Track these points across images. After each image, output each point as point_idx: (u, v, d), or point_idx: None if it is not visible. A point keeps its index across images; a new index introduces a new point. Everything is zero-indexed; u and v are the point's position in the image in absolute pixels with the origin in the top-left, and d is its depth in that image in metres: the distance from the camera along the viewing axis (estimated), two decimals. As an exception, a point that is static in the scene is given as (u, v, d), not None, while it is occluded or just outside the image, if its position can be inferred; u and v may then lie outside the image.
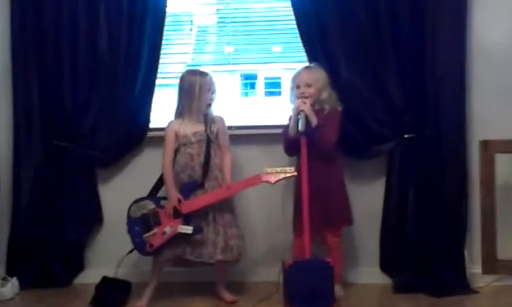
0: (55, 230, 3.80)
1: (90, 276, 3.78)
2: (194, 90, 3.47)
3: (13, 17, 3.78)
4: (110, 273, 3.62)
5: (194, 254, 3.39)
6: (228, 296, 3.50)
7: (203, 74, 3.53)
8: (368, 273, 3.72)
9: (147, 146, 3.80)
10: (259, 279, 3.72)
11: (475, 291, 3.49)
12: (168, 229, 3.37)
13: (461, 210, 3.56)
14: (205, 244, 3.38)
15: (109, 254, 3.70)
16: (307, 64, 3.59)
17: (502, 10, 3.57)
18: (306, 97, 3.36)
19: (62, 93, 3.76)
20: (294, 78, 3.49)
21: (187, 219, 3.37)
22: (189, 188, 3.42)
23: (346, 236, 3.61)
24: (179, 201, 3.39)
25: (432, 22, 3.52)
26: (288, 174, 3.33)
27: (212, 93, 3.50)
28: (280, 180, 3.34)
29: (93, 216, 3.87)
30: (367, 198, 3.70)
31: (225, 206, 3.44)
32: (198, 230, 3.35)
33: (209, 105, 3.50)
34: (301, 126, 3.25)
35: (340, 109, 3.46)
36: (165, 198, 3.46)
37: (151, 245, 3.39)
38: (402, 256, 3.62)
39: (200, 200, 3.39)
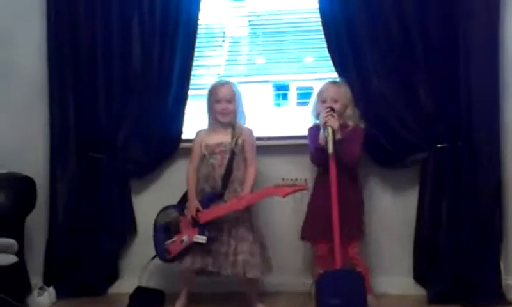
0: (90, 241, 3.85)
1: (124, 286, 3.83)
2: (208, 99, 3.53)
3: (49, 35, 3.85)
4: (143, 282, 3.67)
5: (212, 264, 3.40)
6: (260, 306, 3.51)
7: (221, 83, 3.57)
8: (402, 284, 3.68)
9: (180, 157, 3.83)
10: (294, 290, 3.69)
11: (511, 303, 3.43)
12: (185, 238, 3.42)
13: (496, 220, 3.50)
14: (219, 255, 3.39)
15: (143, 264, 3.74)
16: (333, 78, 3.59)
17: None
18: (333, 111, 3.34)
19: (96, 106, 3.82)
20: (320, 93, 3.49)
21: (203, 228, 3.40)
22: (209, 199, 3.44)
23: (379, 247, 3.60)
24: (197, 210, 3.42)
25: (464, 30, 3.49)
26: (298, 188, 3.33)
27: (227, 102, 3.49)
28: (290, 193, 3.34)
29: (127, 226, 3.91)
30: (401, 209, 3.68)
31: (241, 219, 3.42)
32: (211, 240, 3.38)
33: (226, 114, 3.49)
34: (330, 149, 3.23)
35: (362, 126, 3.46)
36: None
37: (169, 253, 3.46)
38: (437, 267, 3.58)
39: (215, 210, 3.41)
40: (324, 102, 3.44)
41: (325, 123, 3.29)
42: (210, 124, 3.58)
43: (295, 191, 3.35)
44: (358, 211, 3.49)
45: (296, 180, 3.33)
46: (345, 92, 3.46)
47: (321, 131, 3.33)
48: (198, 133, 3.60)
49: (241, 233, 3.40)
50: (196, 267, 3.44)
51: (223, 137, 3.49)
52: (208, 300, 3.61)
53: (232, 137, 3.48)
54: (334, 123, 3.27)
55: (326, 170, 3.30)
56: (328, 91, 3.46)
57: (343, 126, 3.38)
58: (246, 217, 3.44)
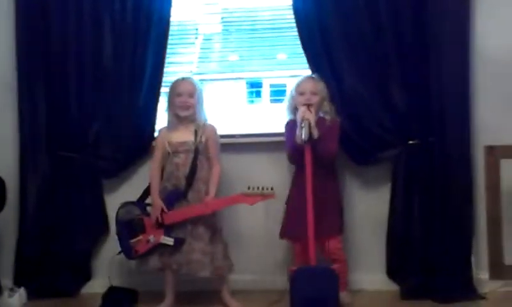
0: (61, 240, 3.81)
1: (97, 285, 3.79)
2: (170, 97, 3.53)
3: (18, 30, 3.80)
4: (116, 282, 3.64)
5: (175, 263, 3.40)
6: (233, 303, 3.51)
7: (179, 79, 3.56)
8: (375, 280, 3.71)
9: (152, 156, 3.79)
10: (268, 287, 3.69)
11: (482, 297, 3.48)
12: (151, 238, 3.43)
13: (467, 215, 3.55)
14: (180, 254, 3.39)
15: (115, 263, 3.71)
16: (309, 74, 3.60)
17: (505, 17, 3.57)
18: (311, 104, 3.36)
19: (67, 104, 3.78)
20: (298, 86, 3.49)
21: (168, 229, 3.41)
22: (172, 198, 3.44)
23: (352, 243, 3.62)
24: (162, 211, 3.41)
25: (436, 27, 3.52)
26: (266, 196, 3.35)
27: (188, 95, 3.47)
28: (257, 201, 3.37)
29: (99, 226, 3.87)
30: (373, 205, 3.71)
31: (203, 219, 3.41)
32: (178, 242, 3.38)
33: (186, 108, 3.47)
34: (304, 135, 3.25)
35: (339, 120, 3.48)
36: (151, 205, 3.51)
37: (136, 252, 3.46)
38: (409, 263, 3.62)
39: (181, 213, 3.41)
40: (302, 93, 3.44)
41: (302, 117, 3.29)
42: (170, 121, 3.56)
43: (263, 200, 3.37)
44: (338, 205, 3.49)
45: (263, 188, 3.34)
46: (322, 86, 3.48)
47: (298, 130, 3.32)
48: (160, 131, 3.60)
49: (200, 232, 3.41)
50: (161, 267, 3.44)
51: (186, 136, 3.48)
52: (184, 299, 3.59)
53: (195, 136, 3.46)
54: (310, 116, 3.29)
55: (303, 168, 3.30)
56: (307, 84, 3.47)
57: (321, 120, 3.40)
58: (208, 217, 3.43)
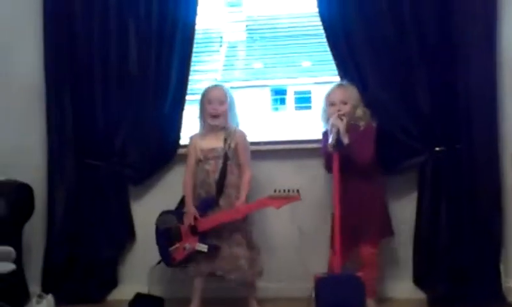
0: (88, 247, 3.84)
1: (123, 292, 3.81)
2: (201, 102, 3.54)
3: (45, 39, 3.85)
4: (143, 289, 3.66)
5: (219, 269, 3.40)
6: (259, 310, 3.51)
7: (213, 85, 3.58)
8: (403, 288, 3.67)
9: (178, 163, 3.81)
10: (294, 295, 3.64)
11: (511, 305, 3.43)
12: (187, 246, 3.45)
13: (495, 223, 3.50)
14: (222, 260, 3.39)
15: (142, 270, 3.73)
16: (338, 81, 3.58)
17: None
18: (343, 114, 3.35)
19: (94, 112, 3.81)
20: (328, 96, 3.48)
21: (203, 236, 3.41)
22: (205, 205, 3.45)
23: (379, 251, 3.59)
24: (195, 218, 3.42)
25: (462, 32, 3.49)
26: (291, 199, 3.33)
27: (219, 103, 3.48)
28: (283, 204, 3.36)
29: (125, 233, 3.90)
30: (400, 213, 3.66)
31: (237, 225, 3.42)
32: (212, 248, 3.39)
33: (216, 116, 3.48)
34: (331, 141, 3.24)
35: (374, 125, 3.46)
36: None
37: (174, 259, 3.48)
38: (437, 271, 3.58)
39: (213, 220, 3.42)
40: (333, 104, 3.43)
41: (332, 125, 3.29)
42: (202, 128, 3.58)
43: (288, 202, 3.36)
44: (378, 210, 3.46)
45: (289, 191, 3.33)
46: (352, 93, 3.45)
47: (330, 137, 3.31)
48: (192, 138, 3.60)
49: (236, 238, 3.41)
50: (202, 273, 3.44)
51: (216, 142, 3.49)
52: (209, 306, 3.58)
53: (225, 142, 3.48)
54: (340, 123, 3.28)
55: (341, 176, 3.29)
56: (336, 94, 3.46)
57: (355, 127, 3.39)
58: (241, 223, 3.44)
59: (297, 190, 3.32)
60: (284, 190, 3.33)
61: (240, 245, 3.40)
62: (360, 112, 3.45)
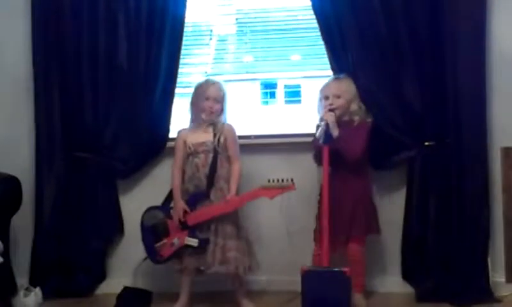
0: (76, 240, 3.83)
1: (112, 286, 3.81)
2: (195, 98, 3.53)
3: (33, 31, 3.82)
4: (131, 282, 3.66)
5: (203, 264, 3.40)
6: (247, 304, 3.50)
7: (208, 82, 3.56)
8: (391, 282, 3.69)
9: (167, 156, 3.80)
10: (282, 288, 3.68)
11: (499, 300, 3.44)
12: (175, 241, 3.43)
13: (483, 218, 3.51)
14: (207, 254, 3.38)
15: (130, 264, 3.74)
16: (336, 75, 3.56)
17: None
18: (334, 109, 3.35)
19: (82, 104, 3.79)
20: (323, 89, 3.47)
21: (193, 230, 3.40)
22: (195, 199, 3.44)
23: (368, 246, 3.58)
24: (185, 212, 3.41)
25: (452, 28, 3.49)
26: (286, 189, 3.33)
27: (215, 101, 3.48)
28: (277, 194, 3.35)
29: (113, 226, 3.88)
30: (388, 207, 3.67)
31: (227, 217, 3.41)
32: (203, 242, 3.38)
33: (210, 113, 3.48)
34: (318, 134, 3.24)
35: (369, 121, 3.45)
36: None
37: (161, 256, 3.46)
38: (425, 265, 3.59)
39: (204, 213, 3.41)
40: (326, 98, 3.42)
41: (321, 118, 3.29)
42: (192, 122, 3.57)
43: (283, 192, 3.35)
44: (365, 206, 3.45)
45: (283, 180, 3.32)
46: (347, 87, 3.44)
47: (319, 129, 3.31)
48: (180, 132, 3.59)
49: (228, 230, 3.40)
50: (189, 268, 3.44)
51: (205, 136, 3.48)
52: (197, 300, 3.58)
53: (214, 136, 3.47)
54: (329, 117, 3.28)
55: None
56: (330, 87, 3.45)
57: (349, 122, 3.39)
58: (232, 215, 3.44)
59: (292, 180, 3.32)
60: (278, 180, 3.32)
61: (231, 238, 3.40)
62: (354, 106, 3.44)
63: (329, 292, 3.16)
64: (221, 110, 3.52)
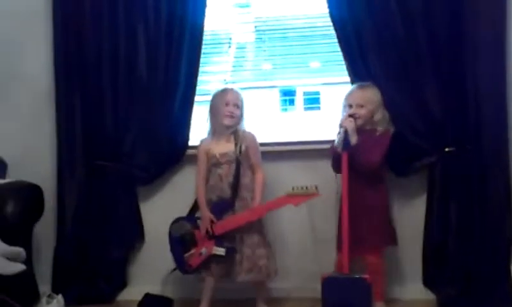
0: (98, 248, 3.86)
1: (133, 293, 3.82)
2: (213, 106, 3.53)
3: (55, 43, 3.86)
4: (152, 289, 3.67)
5: (231, 272, 3.41)
6: (266, 310, 3.51)
7: (226, 89, 3.58)
8: (412, 289, 3.65)
9: (187, 164, 3.82)
10: (304, 296, 3.66)
11: (521, 307, 3.41)
12: (203, 250, 3.43)
13: (505, 224, 3.48)
14: (234, 263, 3.39)
15: (151, 271, 3.76)
16: (361, 82, 3.52)
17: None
18: (355, 118, 3.33)
19: (103, 113, 3.82)
20: (347, 97, 3.44)
21: (219, 240, 3.40)
22: (220, 208, 3.44)
23: (389, 253, 3.57)
24: (212, 222, 3.42)
25: (472, 32, 3.47)
26: (310, 196, 3.32)
27: (235, 106, 3.48)
28: (302, 201, 3.35)
29: (134, 233, 3.90)
30: (409, 214, 3.65)
31: (252, 226, 3.41)
32: (230, 251, 3.38)
33: (232, 117, 3.47)
34: (336, 141, 3.23)
35: (391, 130, 3.42)
36: (200, 218, 3.51)
37: (190, 266, 3.46)
38: (446, 272, 3.56)
39: (230, 222, 3.41)
40: (350, 106, 3.40)
41: (340, 125, 3.28)
42: (212, 131, 3.57)
43: (308, 199, 3.35)
44: (381, 217, 3.42)
45: (307, 188, 3.32)
46: (371, 96, 3.40)
47: (337, 136, 3.31)
48: (202, 142, 3.60)
49: (255, 239, 3.41)
50: (217, 277, 3.45)
51: (227, 146, 3.48)
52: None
53: (236, 145, 3.47)
54: (348, 124, 3.27)
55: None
56: (353, 96, 3.42)
57: (371, 131, 3.37)
58: (256, 223, 3.44)
59: (316, 187, 3.32)
60: (302, 187, 3.32)
61: (259, 246, 3.41)
62: (378, 116, 3.39)
63: (349, 299, 3.15)
64: (241, 116, 3.52)
